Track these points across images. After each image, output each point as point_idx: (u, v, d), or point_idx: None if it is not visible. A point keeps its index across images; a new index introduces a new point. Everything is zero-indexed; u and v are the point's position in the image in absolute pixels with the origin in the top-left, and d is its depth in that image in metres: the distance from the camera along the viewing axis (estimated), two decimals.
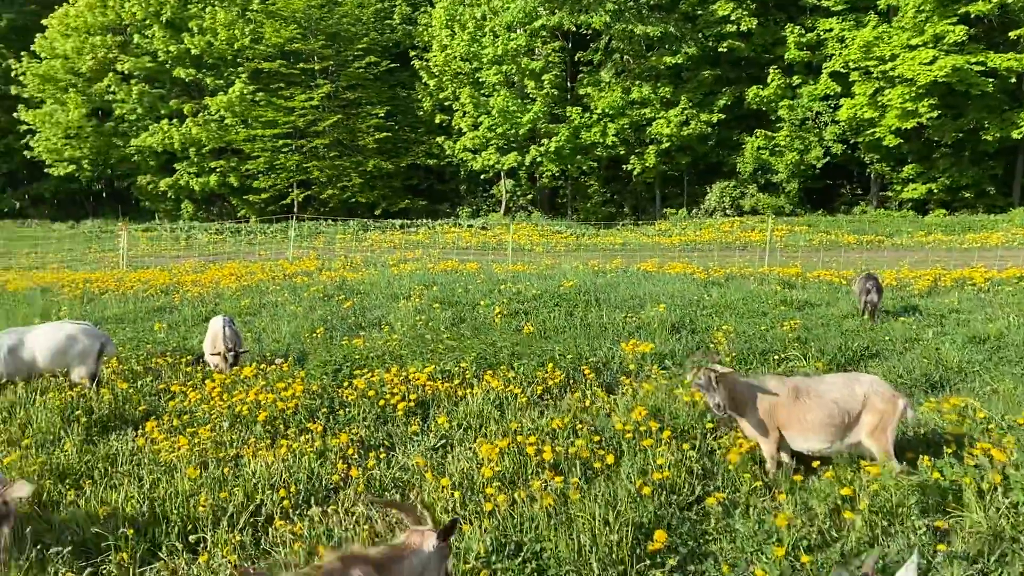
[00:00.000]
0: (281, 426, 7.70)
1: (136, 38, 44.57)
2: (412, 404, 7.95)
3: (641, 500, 5.43)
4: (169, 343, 12.14)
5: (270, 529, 5.34)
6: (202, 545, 5.03)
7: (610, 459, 6.12)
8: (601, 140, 42.10)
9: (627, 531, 4.98)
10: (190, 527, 5.23)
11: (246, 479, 5.88)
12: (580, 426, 6.91)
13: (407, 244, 33.37)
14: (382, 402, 7.99)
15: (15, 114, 45.73)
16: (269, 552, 4.96)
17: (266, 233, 40.06)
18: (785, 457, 6.34)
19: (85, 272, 23.53)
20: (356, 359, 10.09)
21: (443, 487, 5.75)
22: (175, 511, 5.35)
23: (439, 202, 49.40)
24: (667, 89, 42.10)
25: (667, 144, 41.85)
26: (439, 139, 45.84)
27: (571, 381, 8.78)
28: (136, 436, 7.49)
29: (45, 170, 47.58)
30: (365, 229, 40.41)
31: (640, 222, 43.32)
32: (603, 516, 5.11)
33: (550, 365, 8.91)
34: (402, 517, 4.01)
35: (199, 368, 10.18)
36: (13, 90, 46.16)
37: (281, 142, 44.34)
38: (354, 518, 5.42)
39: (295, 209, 44.18)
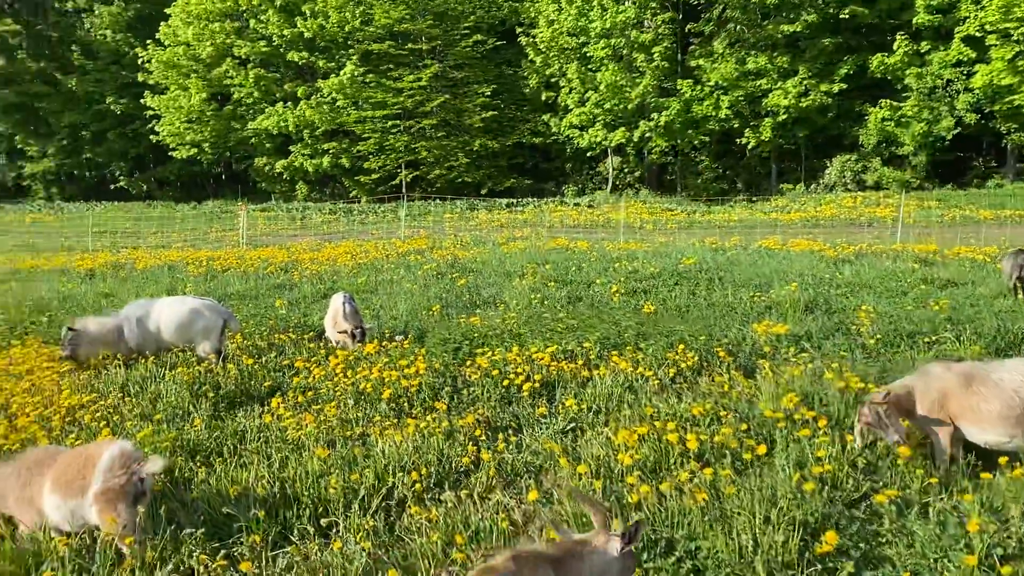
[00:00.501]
0: (405, 404, 7.50)
1: (252, 23, 45.89)
2: (537, 385, 7.61)
3: (802, 496, 4.90)
4: (291, 319, 12.23)
5: (404, 514, 5.09)
6: (335, 531, 4.82)
7: (761, 450, 5.60)
8: (713, 113, 40.70)
9: (792, 531, 4.47)
10: (321, 510, 5.04)
11: (376, 460, 5.67)
12: (723, 413, 6.39)
13: (514, 223, 33.13)
14: (506, 382, 7.68)
15: (142, 100, 47.95)
16: (403, 539, 4.70)
17: (376, 213, 40.68)
18: (959, 451, 5.66)
19: (208, 251, 24.34)
20: (475, 337, 9.83)
21: (580, 474, 5.36)
22: (305, 493, 5.17)
23: (545, 181, 48.99)
24: (784, 59, 40.22)
25: (784, 116, 40.04)
26: (545, 117, 45.41)
27: (704, 364, 8.24)
28: (262, 412, 7.42)
29: (169, 154, 49.84)
30: (472, 208, 40.47)
31: (754, 199, 41.69)
32: (764, 513, 4.62)
33: (680, 346, 8.39)
34: (590, 513, 3.66)
35: (321, 345, 10.14)
36: (140, 77, 48.45)
37: (390, 123, 44.89)
38: (489, 505, 5.11)
39: (403, 189, 44.69)
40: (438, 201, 41.83)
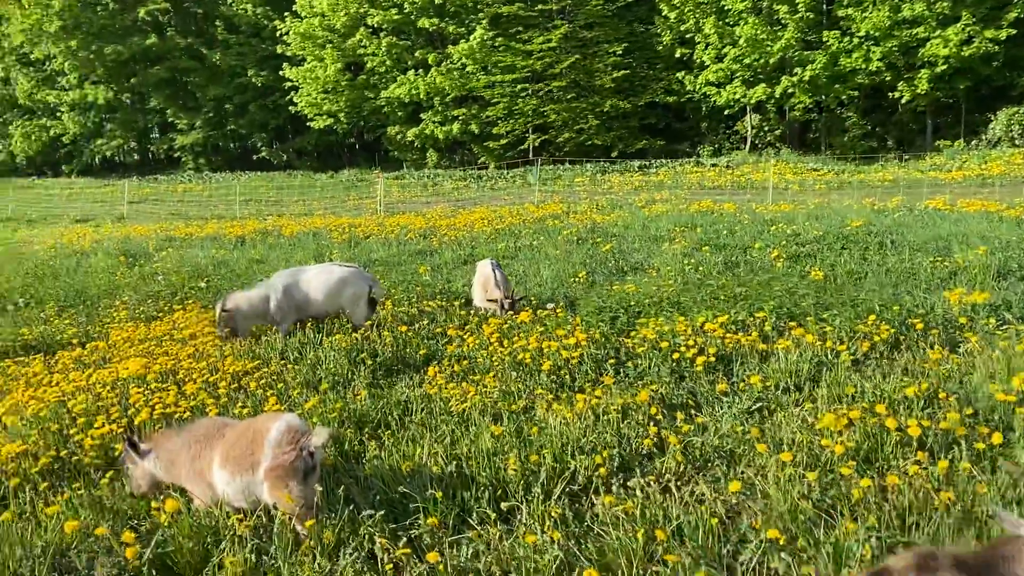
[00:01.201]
0: (567, 377, 7.06)
1: None
2: (712, 359, 6.99)
3: None
4: (435, 286, 12.06)
5: (588, 501, 4.64)
6: (519, 518, 4.43)
7: (996, 439, 4.80)
8: (863, 66, 37.95)
9: None
10: (499, 492, 4.66)
11: (552, 438, 5.24)
12: (942, 394, 5.59)
13: (649, 186, 32.09)
14: (676, 355, 7.10)
15: (280, 72, 49.39)
16: (594, 530, 4.24)
17: (505, 178, 40.47)
18: None
19: (348, 218, 24.73)
20: (631, 306, 9.28)
21: (783, 462, 4.75)
22: (483, 473, 4.80)
23: (678, 142, 47.34)
24: (945, 4, 36.86)
25: (943, 67, 36.82)
26: (679, 74, 43.72)
27: (901, 337, 7.37)
28: (421, 382, 7.16)
29: (307, 124, 51.26)
30: (603, 172, 39.58)
31: (906, 156, 38.85)
32: None
33: (871, 317, 7.54)
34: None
35: (471, 312, 9.84)
36: (279, 49, 49.89)
37: (519, 87, 44.40)
38: (684, 495, 4.58)
39: (531, 154, 44.23)
40: (568, 165, 41.17)
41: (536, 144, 44.98)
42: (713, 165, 39.46)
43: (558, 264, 13.09)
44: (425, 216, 22.98)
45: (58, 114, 57.85)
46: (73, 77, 55.99)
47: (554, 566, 3.87)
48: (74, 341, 9.48)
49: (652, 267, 12.60)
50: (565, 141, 44.54)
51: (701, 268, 11.97)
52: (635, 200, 23.91)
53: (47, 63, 57.14)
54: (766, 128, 44.92)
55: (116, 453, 5.45)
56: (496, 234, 17.55)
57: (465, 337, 8.45)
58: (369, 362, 7.71)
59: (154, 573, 4.05)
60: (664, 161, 41.59)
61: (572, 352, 7.31)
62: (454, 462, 4.98)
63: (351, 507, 4.36)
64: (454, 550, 4.17)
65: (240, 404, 6.33)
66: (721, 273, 11.48)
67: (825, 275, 10.62)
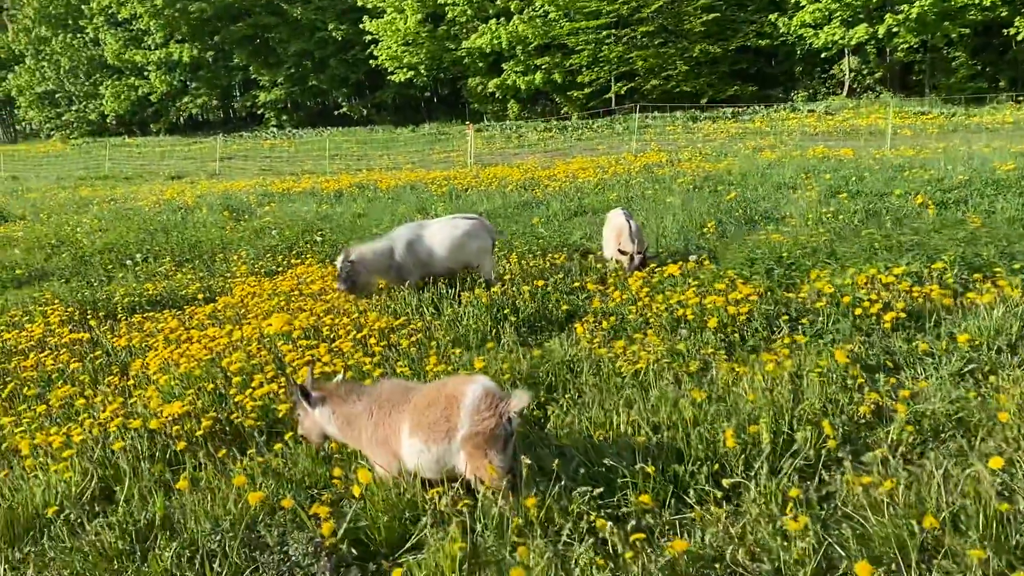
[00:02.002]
0: (736, 336, 6.47)
1: None
2: (901, 314, 6.29)
3: None
4: (552, 238, 11.53)
5: (826, 479, 4.09)
6: (748, 496, 3.90)
7: None
8: (976, 2, 35.40)
9: None
10: (716, 467, 4.14)
11: (758, 405, 4.68)
12: None
13: (745, 133, 30.75)
14: (858, 310, 6.42)
15: (360, 25, 49.09)
16: (850, 520, 3.70)
17: (591, 128, 39.45)
18: None
19: (439, 171, 24.36)
20: (783, 257, 8.58)
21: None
22: (697, 445, 4.29)
23: (770, 87, 45.41)
24: None
25: None
26: (772, 16, 41.74)
27: None
28: (570, 340, 6.69)
29: (387, 78, 51.00)
30: (693, 120, 38.22)
31: (1020, 98, 36.35)
32: None
33: None
34: None
35: (602, 266, 9.28)
36: (359, 2, 49.50)
37: (604, 33, 43.09)
38: (930, 470, 3.98)
39: (615, 103, 43.02)
40: (656, 113, 39.90)
41: (621, 92, 43.78)
42: (810, 111, 37.68)
43: (681, 214, 12.38)
44: (520, 168, 22.40)
45: (145, 73, 59.02)
46: (159, 36, 56.90)
47: (814, 558, 3.34)
48: (199, 296, 9.32)
49: (787, 216, 11.80)
50: (652, 89, 43.21)
51: (841, 217, 11.12)
52: (740, 147, 22.81)
53: (133, 22, 58.13)
54: (865, 71, 42.67)
55: (280, 414, 5.13)
56: (603, 184, 16.87)
57: (609, 292, 7.92)
58: (513, 318, 7.26)
59: (352, 551, 3.70)
60: (757, 107, 39.95)
61: (740, 308, 6.70)
62: (657, 432, 4.48)
63: (557, 482, 3.89)
64: (676, 533, 3.69)
65: (403, 364, 5.95)
66: (863, 222, 10.64)
67: (983, 222, 9.68)
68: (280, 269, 10.82)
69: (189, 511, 4.06)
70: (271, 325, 6.80)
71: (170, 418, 5.07)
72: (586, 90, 44.55)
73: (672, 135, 32.73)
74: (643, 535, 3.51)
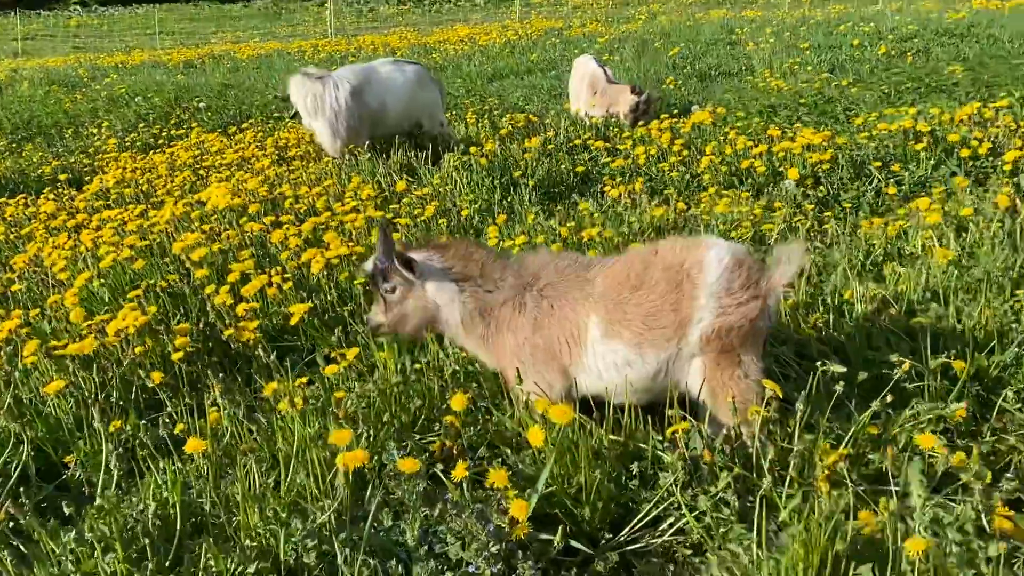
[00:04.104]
0: (822, 190, 5.18)
1: None
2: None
3: None
4: (494, 103, 9.81)
5: None
6: None
7: None
8: None
9: None
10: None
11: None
12: None
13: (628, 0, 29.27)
14: (965, 151, 5.27)
15: None
16: None
17: (453, 2, 36.71)
18: None
19: (305, 41, 21.44)
20: (787, 104, 7.37)
21: None
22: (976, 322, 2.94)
23: None
24: None
25: None
26: None
27: None
28: (607, 201, 5.18)
29: None
30: None
31: None
32: None
33: None
34: None
35: (586, 122, 7.70)
36: None
37: None
38: None
39: None
40: None
41: None
42: None
43: (635, 69, 10.91)
44: (398, 35, 19.97)
45: None
46: None
47: None
48: (62, 177, 6.95)
49: (744, 70, 10.61)
50: None
51: (809, 68, 10.06)
52: (633, 13, 21.34)
53: None
54: None
55: (293, 320, 3.33)
56: (512, 46, 15.02)
57: (623, 148, 6.40)
58: (530, 183, 5.62)
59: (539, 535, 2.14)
60: None
61: (821, 155, 5.38)
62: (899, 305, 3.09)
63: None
64: None
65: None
66: (835, 73, 9.61)
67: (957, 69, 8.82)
68: (160, 143, 8.48)
69: (221, 497, 2.31)
70: (213, 198, 4.80)
71: (122, 336, 3.16)
72: None
73: (556, 4, 30.70)
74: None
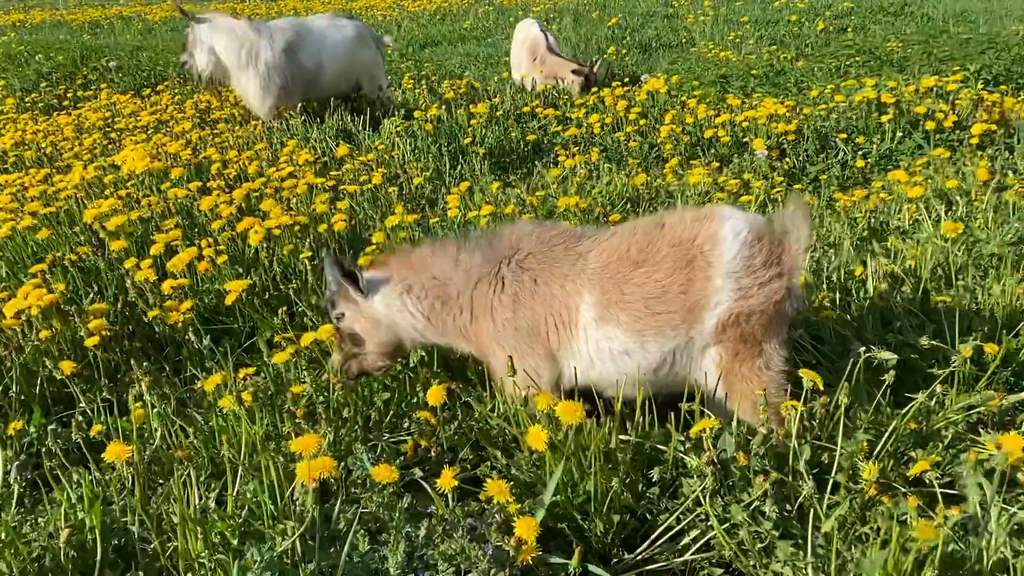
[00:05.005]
0: (789, 161, 4.96)
1: None
2: (991, 126, 5.07)
3: None
4: (430, 69, 9.33)
5: None
6: None
7: None
8: None
9: None
10: None
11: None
12: None
13: None
14: (930, 124, 5.12)
15: None
16: None
17: None
18: None
19: (216, 4, 20.30)
20: (748, 74, 7.15)
21: None
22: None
23: None
24: None
25: None
26: None
27: None
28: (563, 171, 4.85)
29: None
30: None
31: None
32: None
33: None
34: None
35: (528, 90, 7.32)
36: None
37: None
38: None
39: None
40: None
41: None
42: None
43: (568, 43, 10.57)
44: (319, 1, 19.09)
45: None
46: None
47: None
48: None
49: (684, 42, 10.41)
50: None
51: (751, 42, 9.91)
52: None
53: None
54: None
55: (229, 300, 2.88)
56: (443, 13, 14.49)
57: (574, 116, 6.07)
58: (480, 151, 5.23)
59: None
60: None
61: (786, 125, 5.16)
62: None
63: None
64: None
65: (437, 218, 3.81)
66: (778, 47, 9.48)
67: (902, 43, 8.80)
68: (65, 104, 7.73)
69: (153, 518, 1.88)
70: (130, 163, 4.24)
71: (23, 319, 2.66)
72: None
73: None
74: None
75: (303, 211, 3.62)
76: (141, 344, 2.90)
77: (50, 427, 2.33)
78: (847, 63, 7.67)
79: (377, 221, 3.85)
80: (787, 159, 5.03)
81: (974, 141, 4.91)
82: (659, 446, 2.04)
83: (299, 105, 6.22)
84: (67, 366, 2.43)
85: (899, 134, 5.17)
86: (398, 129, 5.52)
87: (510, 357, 2.17)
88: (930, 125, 5.10)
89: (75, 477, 2.02)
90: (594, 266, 2.16)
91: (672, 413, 2.06)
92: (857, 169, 4.91)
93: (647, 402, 2.11)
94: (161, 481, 2.14)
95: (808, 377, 1.91)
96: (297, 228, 3.37)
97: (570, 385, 2.26)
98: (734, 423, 2.00)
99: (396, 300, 2.31)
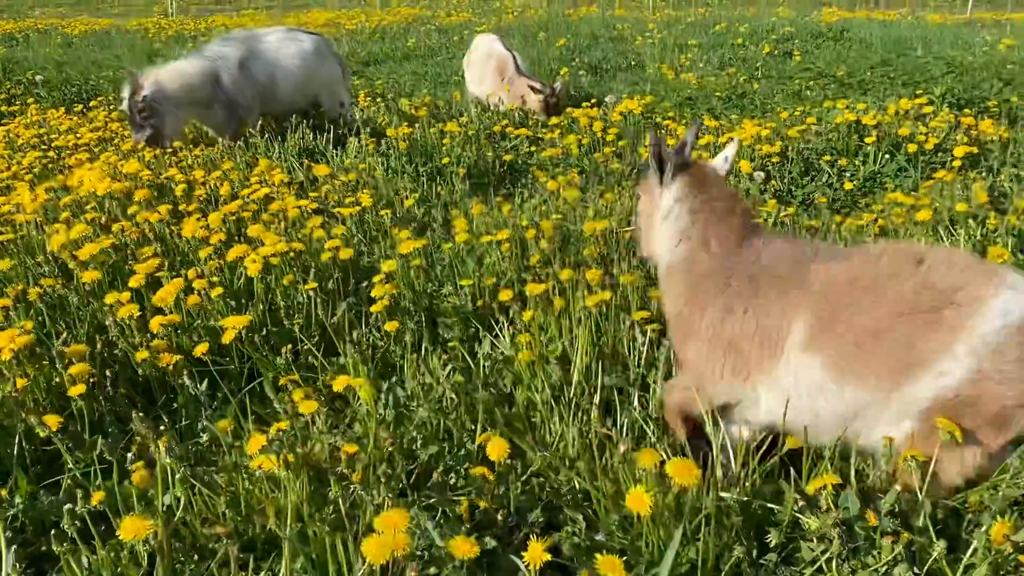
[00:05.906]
0: (773, 183, 4.88)
1: None
2: (972, 148, 5.09)
3: None
4: (399, 85, 9.04)
5: None
6: None
7: None
8: None
9: None
10: None
11: None
12: None
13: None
14: (912, 147, 5.12)
15: None
16: None
17: None
18: None
19: (140, 19, 19.51)
20: (696, 95, 7.12)
21: None
22: None
23: None
24: None
25: None
26: None
27: None
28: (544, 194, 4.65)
29: None
30: None
31: None
32: None
33: None
34: None
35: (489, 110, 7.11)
36: None
37: None
38: None
39: None
40: None
41: None
42: None
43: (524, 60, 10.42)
44: (251, 17, 18.55)
45: None
46: None
47: None
48: None
49: (635, 65, 10.39)
50: None
51: (702, 65, 9.96)
52: (499, 5, 20.84)
53: None
54: None
55: (227, 334, 2.55)
56: (383, 32, 14.20)
57: (548, 136, 5.90)
58: (460, 171, 4.98)
59: None
60: None
61: (770, 147, 5.08)
62: None
63: None
64: None
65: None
66: (730, 71, 9.54)
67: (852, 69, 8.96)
68: None
69: None
70: (84, 184, 3.83)
71: None
72: None
73: None
74: None
75: (296, 237, 3.30)
76: (126, 390, 2.54)
77: (41, 495, 1.97)
78: (806, 86, 7.73)
79: (372, 246, 3.55)
80: (773, 182, 4.95)
81: (956, 164, 4.93)
82: (770, 505, 1.81)
83: (259, 124, 5.87)
84: (52, 420, 2.07)
85: (886, 157, 5.15)
86: (369, 148, 5.23)
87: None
88: (912, 148, 5.10)
89: (86, 561, 1.67)
90: (818, 285, 1.87)
91: (765, 457, 1.85)
92: (844, 191, 4.85)
93: (750, 450, 1.89)
94: (182, 559, 1.81)
95: (945, 428, 1.70)
96: (291, 255, 3.05)
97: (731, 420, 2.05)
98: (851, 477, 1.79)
99: (683, 209, 2.15)
